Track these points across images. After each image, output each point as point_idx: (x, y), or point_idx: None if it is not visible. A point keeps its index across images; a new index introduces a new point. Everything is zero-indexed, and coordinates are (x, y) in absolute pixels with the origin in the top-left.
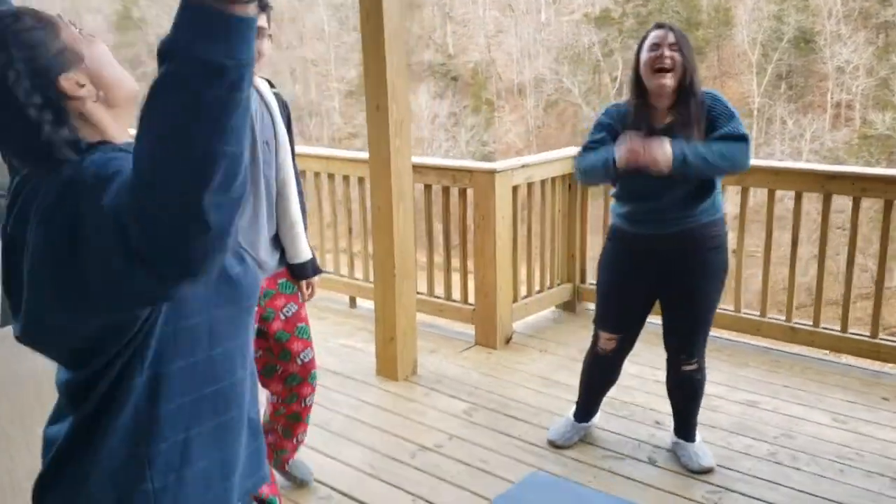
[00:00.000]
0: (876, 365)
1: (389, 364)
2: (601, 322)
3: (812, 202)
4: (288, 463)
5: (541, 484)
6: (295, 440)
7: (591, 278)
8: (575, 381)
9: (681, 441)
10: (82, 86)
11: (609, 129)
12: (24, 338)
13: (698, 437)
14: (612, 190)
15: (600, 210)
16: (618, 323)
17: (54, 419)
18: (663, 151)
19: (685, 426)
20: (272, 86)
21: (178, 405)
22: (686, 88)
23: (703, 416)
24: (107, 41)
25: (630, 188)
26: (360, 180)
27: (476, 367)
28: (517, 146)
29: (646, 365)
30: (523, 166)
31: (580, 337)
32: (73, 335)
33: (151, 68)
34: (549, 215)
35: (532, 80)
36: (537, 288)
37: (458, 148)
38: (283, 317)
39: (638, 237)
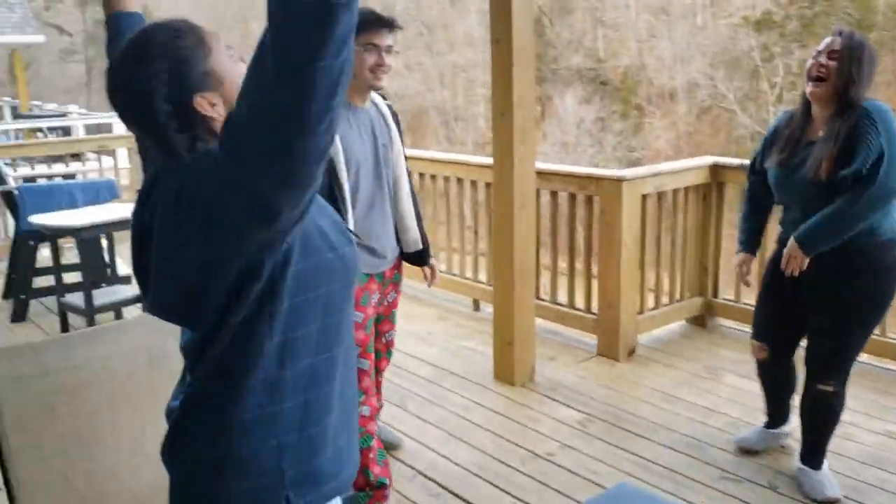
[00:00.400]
0: None
1: (506, 369)
2: (753, 328)
3: None
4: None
5: (629, 495)
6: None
7: (725, 293)
8: (699, 400)
9: (806, 468)
10: (214, 105)
11: (766, 146)
12: (157, 310)
13: (825, 465)
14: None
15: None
16: (762, 331)
17: (177, 393)
18: (795, 259)
19: (813, 452)
20: (385, 98)
21: (301, 369)
22: (841, 106)
23: (834, 443)
24: None
25: (784, 213)
26: (488, 185)
27: (595, 377)
28: (667, 152)
29: None
30: (654, 175)
31: (709, 353)
32: (201, 299)
33: None
34: (681, 226)
35: (685, 84)
36: (665, 300)
37: (603, 153)
38: (385, 302)
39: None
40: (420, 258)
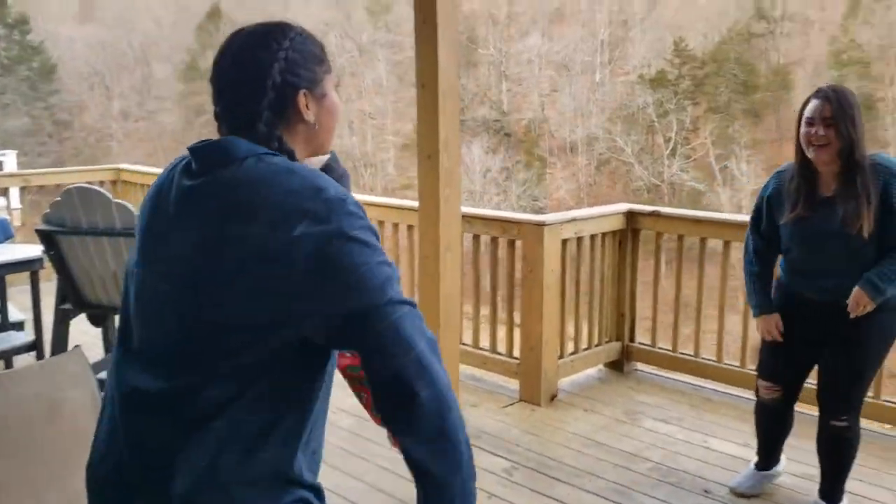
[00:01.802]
0: None
1: None
2: (759, 369)
3: None
4: None
5: None
6: None
7: (641, 338)
8: (621, 445)
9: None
10: (308, 110)
11: (760, 211)
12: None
13: (845, 501)
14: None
15: (651, 268)
16: (772, 371)
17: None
18: (864, 304)
19: (833, 488)
20: None
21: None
22: (847, 162)
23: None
24: (173, 89)
25: (795, 264)
26: (410, 228)
27: (518, 423)
28: (568, 203)
29: (695, 430)
30: (573, 220)
31: (627, 397)
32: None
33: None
34: (599, 271)
35: (585, 138)
36: (584, 345)
37: (508, 202)
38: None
39: (800, 294)
40: None
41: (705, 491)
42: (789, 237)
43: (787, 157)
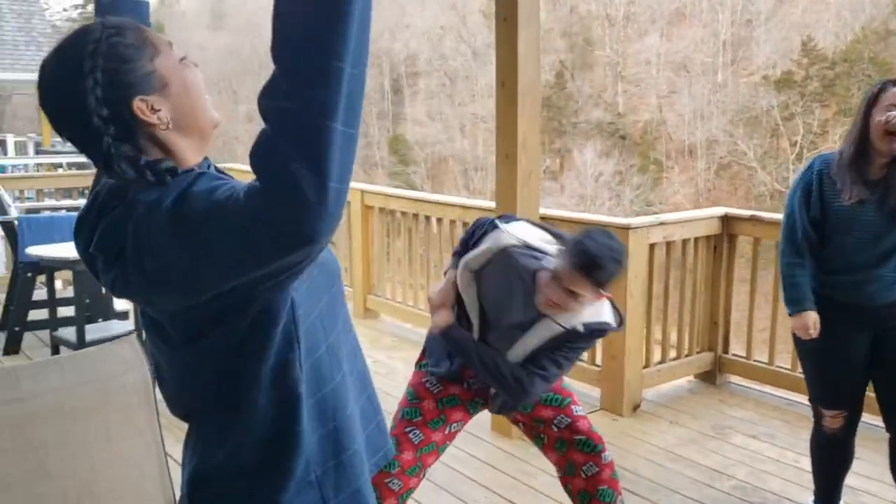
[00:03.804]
0: None
1: (503, 421)
2: (820, 399)
3: None
4: None
5: None
6: None
7: (735, 348)
8: (705, 460)
9: None
10: (157, 111)
11: (810, 192)
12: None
13: None
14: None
15: (747, 274)
16: (837, 397)
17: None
18: None
19: None
20: None
21: (312, 402)
22: None
23: None
24: None
25: (832, 262)
26: None
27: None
28: (685, 207)
29: (786, 448)
30: (661, 224)
31: (717, 411)
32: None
33: None
34: (691, 278)
35: (704, 141)
36: (673, 354)
37: (621, 206)
38: None
39: (845, 306)
40: None
41: None
42: (846, 220)
43: None
